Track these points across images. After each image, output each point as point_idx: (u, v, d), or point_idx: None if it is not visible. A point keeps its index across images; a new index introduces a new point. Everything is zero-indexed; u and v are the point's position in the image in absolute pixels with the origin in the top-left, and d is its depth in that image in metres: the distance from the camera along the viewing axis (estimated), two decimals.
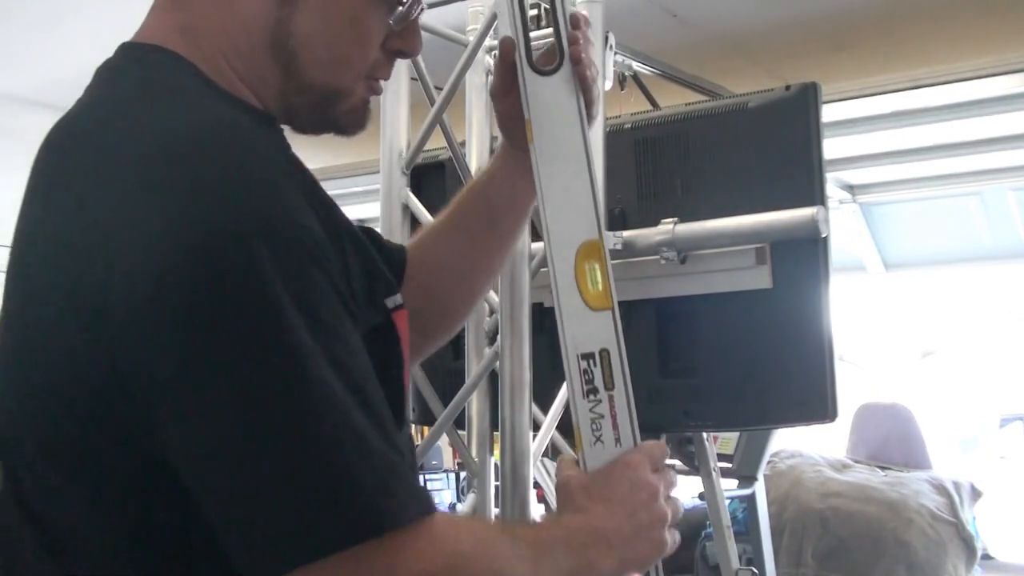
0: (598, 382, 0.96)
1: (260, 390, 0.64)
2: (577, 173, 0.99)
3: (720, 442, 2.57)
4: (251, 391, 0.64)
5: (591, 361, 0.96)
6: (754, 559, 2.55)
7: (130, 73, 0.77)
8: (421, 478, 5.47)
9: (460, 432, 1.72)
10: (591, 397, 0.96)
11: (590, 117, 1.01)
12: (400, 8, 0.82)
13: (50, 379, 0.70)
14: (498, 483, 1.49)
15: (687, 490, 2.68)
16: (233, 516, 0.66)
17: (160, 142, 0.67)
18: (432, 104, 1.68)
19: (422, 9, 0.86)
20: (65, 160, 0.73)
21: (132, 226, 0.65)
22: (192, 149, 0.67)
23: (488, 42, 1.70)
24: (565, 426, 1.64)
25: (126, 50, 0.80)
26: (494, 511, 1.64)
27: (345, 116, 0.86)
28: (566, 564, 0.81)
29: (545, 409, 1.61)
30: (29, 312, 0.72)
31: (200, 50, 0.77)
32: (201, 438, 0.65)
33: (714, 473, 2.07)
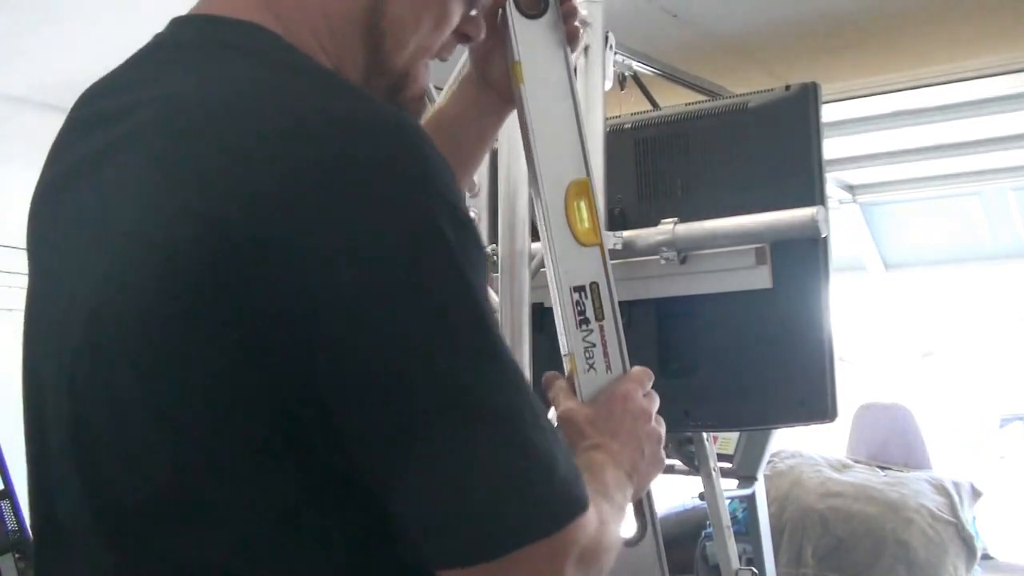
0: (589, 313, 1.01)
1: (465, 373, 0.65)
2: (566, 115, 1.03)
3: (720, 442, 2.57)
4: (454, 375, 0.64)
5: (583, 293, 1.01)
6: (754, 559, 2.55)
7: (243, 50, 0.73)
8: None
9: None
10: (583, 327, 1.01)
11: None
12: None
13: (192, 399, 0.64)
14: None
15: (687, 490, 2.68)
16: (441, 502, 0.64)
17: (332, 124, 0.65)
18: (432, 104, 1.68)
19: None
20: (194, 145, 0.66)
21: (321, 212, 0.62)
22: (370, 131, 0.66)
23: None
24: None
25: (211, 24, 0.76)
26: None
27: (410, 103, 0.87)
28: (615, 505, 0.84)
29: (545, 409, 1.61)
30: (152, 323, 0.65)
31: (288, 29, 0.75)
32: (413, 426, 0.64)
33: (714, 473, 2.07)
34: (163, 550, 0.67)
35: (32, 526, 0.81)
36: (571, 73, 1.04)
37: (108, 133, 0.73)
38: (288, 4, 0.76)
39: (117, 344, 0.67)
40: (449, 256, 0.65)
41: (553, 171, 1.02)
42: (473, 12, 0.88)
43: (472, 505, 0.64)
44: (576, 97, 1.03)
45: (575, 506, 0.67)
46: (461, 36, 0.89)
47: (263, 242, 0.62)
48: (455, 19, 0.85)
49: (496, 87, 1.08)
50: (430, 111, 1.12)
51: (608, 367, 1.02)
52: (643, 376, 1.01)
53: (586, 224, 1.02)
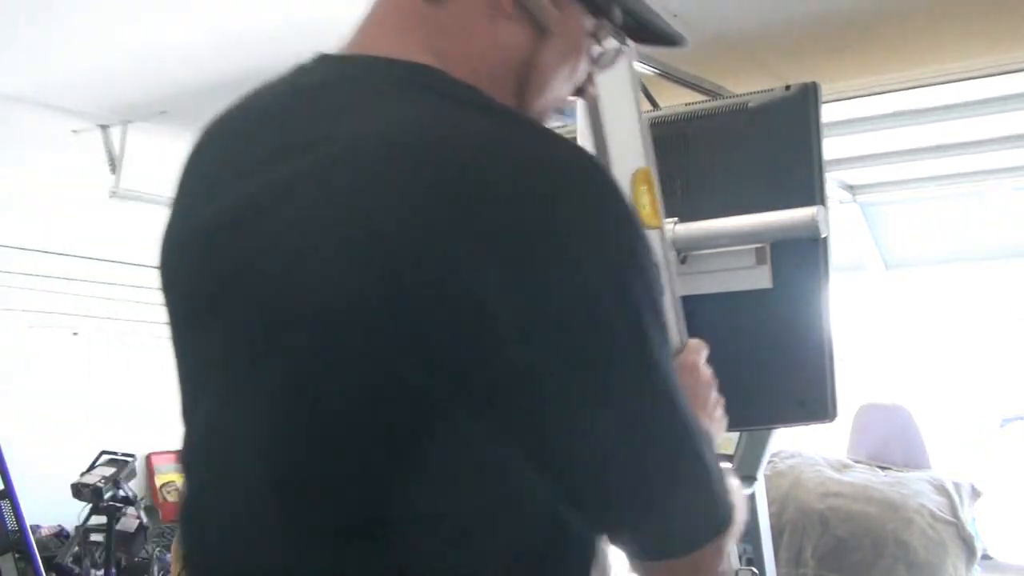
0: None
1: (652, 394, 0.73)
2: (630, 109, 1.12)
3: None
4: (645, 394, 0.72)
5: None
6: (754, 559, 2.55)
7: (435, 90, 0.78)
8: None
9: None
10: None
11: None
12: (604, 58, 0.91)
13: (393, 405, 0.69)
14: None
15: None
16: (639, 507, 0.73)
17: (551, 165, 0.72)
18: None
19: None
20: (414, 180, 0.70)
21: (543, 243, 0.68)
22: (584, 170, 0.73)
23: None
24: None
25: (384, 63, 0.79)
26: None
27: None
28: None
29: None
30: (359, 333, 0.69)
31: (450, 69, 0.80)
32: (607, 436, 0.71)
33: None
34: (381, 555, 0.71)
35: (189, 532, 0.83)
36: (634, 73, 1.12)
37: (282, 168, 0.75)
38: (450, 46, 0.81)
39: (335, 370, 0.70)
40: (647, 288, 0.72)
41: (622, 160, 1.11)
42: (592, 70, 0.93)
43: (676, 510, 0.74)
44: (638, 94, 1.11)
45: (731, 513, 0.78)
46: (578, 90, 0.93)
47: (488, 270, 0.67)
48: (583, 75, 0.90)
49: None
50: None
51: None
52: (701, 347, 1.10)
53: (647, 208, 1.10)
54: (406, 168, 0.70)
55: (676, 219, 1.60)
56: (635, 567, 0.79)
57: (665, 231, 1.10)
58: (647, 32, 0.90)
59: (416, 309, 0.67)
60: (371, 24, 0.83)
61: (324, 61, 0.83)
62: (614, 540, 0.77)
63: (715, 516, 0.76)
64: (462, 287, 0.66)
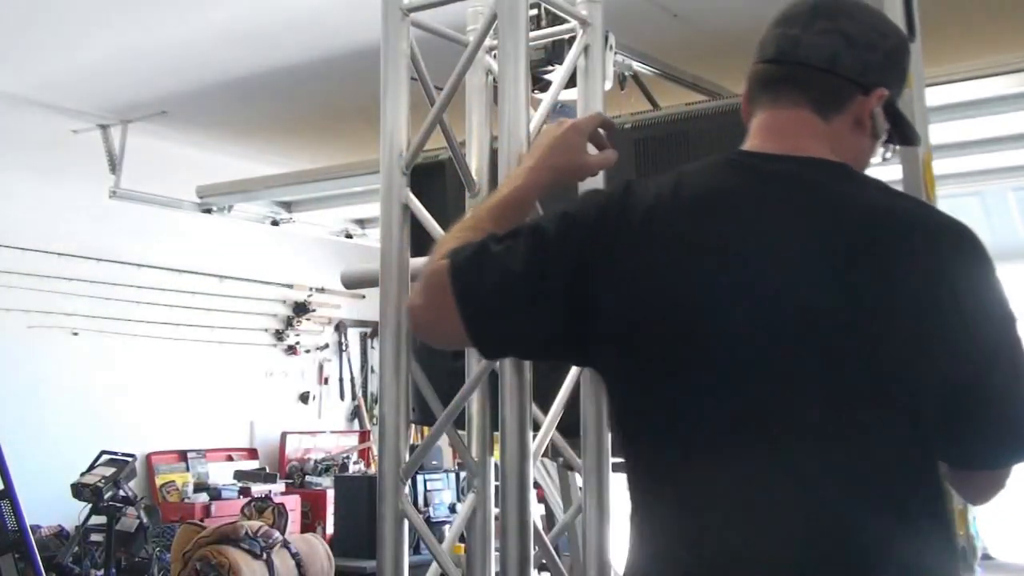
0: None
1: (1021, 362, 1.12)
2: (924, 110, 1.58)
3: None
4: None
5: None
6: None
7: (866, 180, 1.20)
8: (421, 478, 5.28)
9: (460, 432, 1.71)
10: None
11: None
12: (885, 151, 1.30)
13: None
14: (498, 483, 1.48)
15: None
16: (995, 425, 1.12)
17: (963, 229, 1.15)
18: (432, 104, 1.68)
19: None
20: (899, 236, 1.12)
21: (970, 274, 1.13)
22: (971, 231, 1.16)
23: (488, 42, 1.70)
24: (565, 426, 1.64)
25: (834, 165, 1.20)
26: (494, 511, 1.64)
27: None
28: None
29: (545, 409, 1.61)
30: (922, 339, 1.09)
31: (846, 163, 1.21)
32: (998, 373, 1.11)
33: None
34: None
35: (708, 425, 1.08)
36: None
37: (818, 230, 1.13)
38: (836, 148, 1.20)
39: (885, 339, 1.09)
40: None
41: (920, 147, 1.52)
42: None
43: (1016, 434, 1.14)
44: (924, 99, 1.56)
45: None
46: None
47: (943, 292, 1.11)
48: None
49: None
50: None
51: None
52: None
53: (931, 184, 1.57)
54: (915, 233, 1.13)
55: None
56: (956, 475, 1.21)
57: (936, 202, 1.49)
58: (906, 133, 1.27)
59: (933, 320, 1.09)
60: (785, 134, 1.25)
61: (771, 159, 1.23)
62: (952, 453, 1.14)
63: None
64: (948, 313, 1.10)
